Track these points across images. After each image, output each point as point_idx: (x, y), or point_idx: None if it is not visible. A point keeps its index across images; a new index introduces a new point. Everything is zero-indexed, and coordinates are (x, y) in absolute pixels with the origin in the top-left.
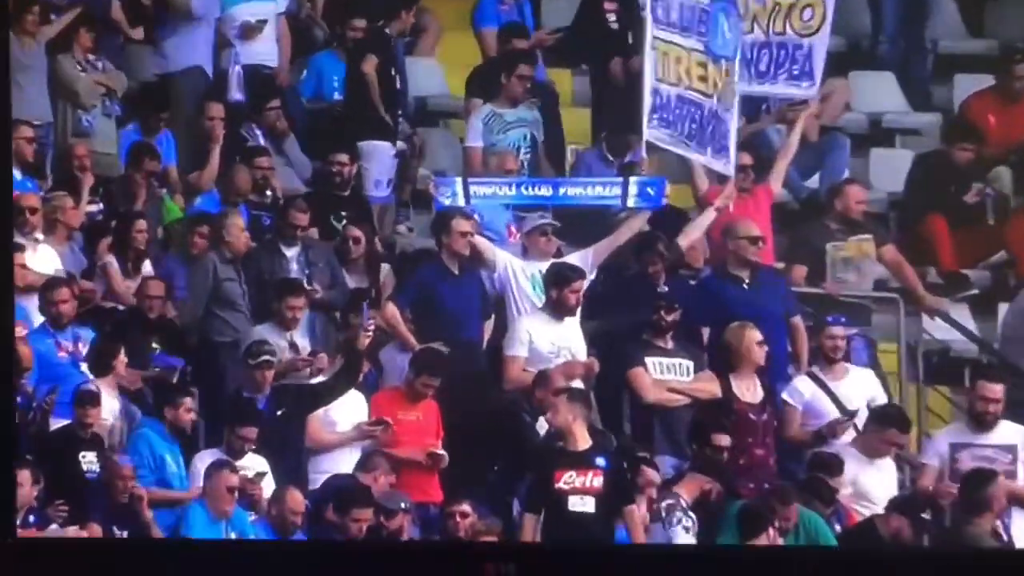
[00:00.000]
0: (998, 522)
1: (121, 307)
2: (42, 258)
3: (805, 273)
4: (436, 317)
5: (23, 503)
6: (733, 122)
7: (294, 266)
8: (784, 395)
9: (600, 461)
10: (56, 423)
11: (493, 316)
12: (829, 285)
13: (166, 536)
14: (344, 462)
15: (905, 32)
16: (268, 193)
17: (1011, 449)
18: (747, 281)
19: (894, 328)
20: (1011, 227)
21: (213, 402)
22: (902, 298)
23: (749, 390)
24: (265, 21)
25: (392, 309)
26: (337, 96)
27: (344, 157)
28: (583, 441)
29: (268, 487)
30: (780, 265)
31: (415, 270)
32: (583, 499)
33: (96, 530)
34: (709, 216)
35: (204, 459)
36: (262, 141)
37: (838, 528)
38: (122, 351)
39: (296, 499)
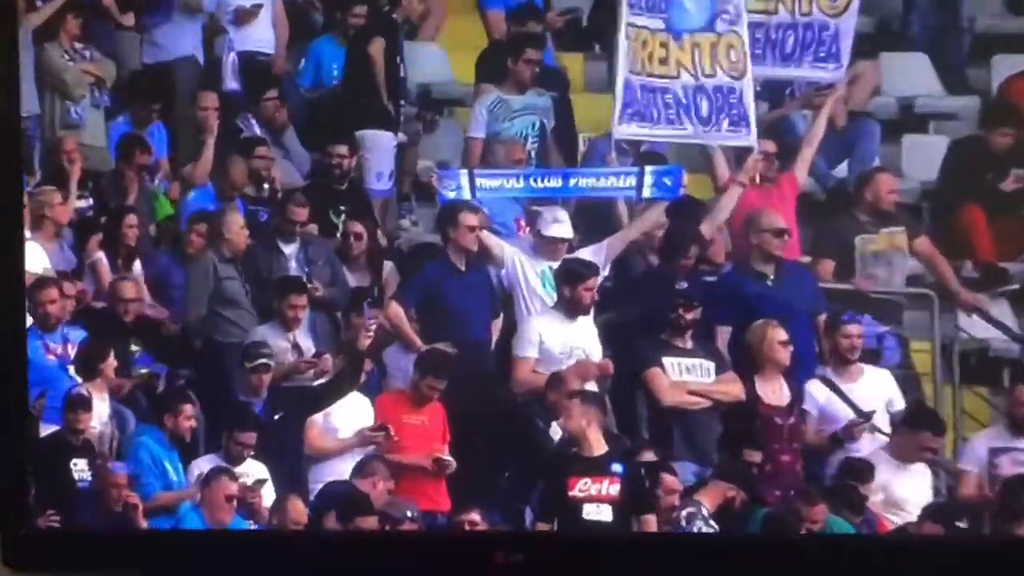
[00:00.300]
0: None
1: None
2: (30, 256)
3: (833, 268)
4: (442, 316)
5: None
6: (746, 92)
7: (293, 263)
8: None
9: (616, 467)
10: (45, 429)
11: (502, 315)
12: (859, 280)
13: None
14: (347, 470)
15: (939, 10)
16: (265, 187)
17: None
18: (771, 277)
19: (928, 326)
20: None
21: (217, 406)
22: (936, 294)
23: (775, 392)
24: (260, 6)
25: (396, 308)
26: (337, 84)
27: (343, 149)
28: (598, 446)
29: (268, 494)
30: (806, 259)
31: (420, 267)
32: (599, 507)
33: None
34: (734, 195)
35: (202, 465)
36: (258, 132)
37: None
38: (111, 354)
39: (298, 509)
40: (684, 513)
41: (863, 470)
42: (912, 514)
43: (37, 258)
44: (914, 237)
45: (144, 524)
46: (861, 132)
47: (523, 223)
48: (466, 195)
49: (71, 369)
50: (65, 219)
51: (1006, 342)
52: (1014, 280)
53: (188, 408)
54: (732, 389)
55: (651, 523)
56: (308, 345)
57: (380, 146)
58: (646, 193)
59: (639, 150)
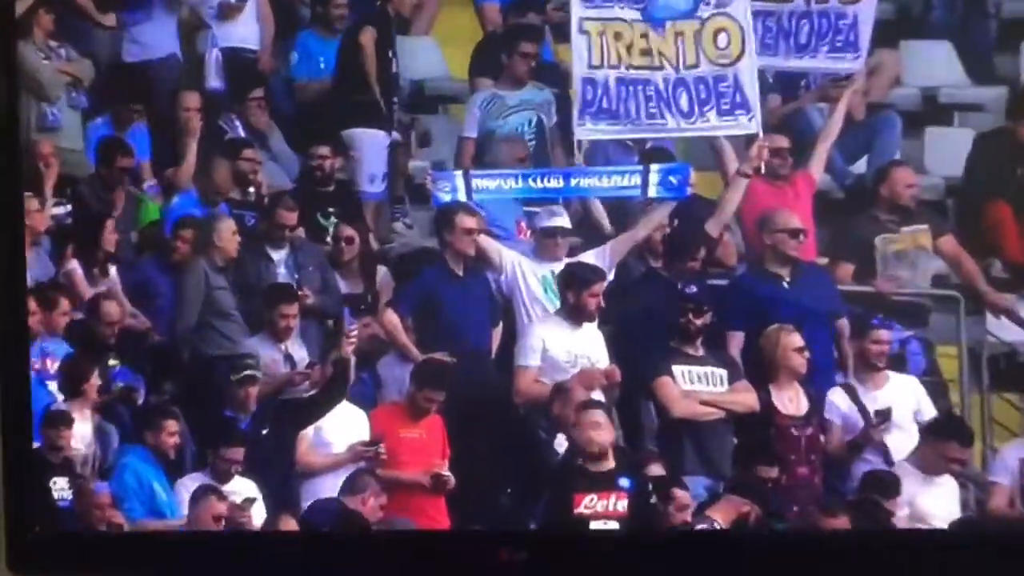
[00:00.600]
0: None
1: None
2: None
3: (852, 270)
4: (440, 324)
5: None
6: (747, 77)
7: (281, 270)
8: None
9: (624, 483)
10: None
11: (502, 322)
12: (880, 283)
13: None
14: (339, 487)
15: None
16: (251, 191)
17: None
18: (787, 279)
19: (954, 330)
20: None
21: (202, 421)
22: (963, 295)
23: (792, 401)
24: (245, 0)
25: (391, 316)
26: (326, 79)
27: (325, 149)
28: (605, 460)
29: (259, 513)
30: (824, 261)
31: (415, 272)
32: (606, 524)
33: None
34: (739, 187)
35: (188, 484)
36: (242, 133)
37: None
38: (95, 372)
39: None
40: (696, 531)
41: (888, 483)
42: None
43: None
44: (939, 235)
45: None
46: (881, 125)
47: (524, 225)
48: (461, 197)
49: (50, 385)
50: (42, 227)
51: None
52: None
53: (171, 424)
54: (746, 399)
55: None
56: (301, 356)
57: (372, 146)
58: (651, 192)
59: (644, 147)
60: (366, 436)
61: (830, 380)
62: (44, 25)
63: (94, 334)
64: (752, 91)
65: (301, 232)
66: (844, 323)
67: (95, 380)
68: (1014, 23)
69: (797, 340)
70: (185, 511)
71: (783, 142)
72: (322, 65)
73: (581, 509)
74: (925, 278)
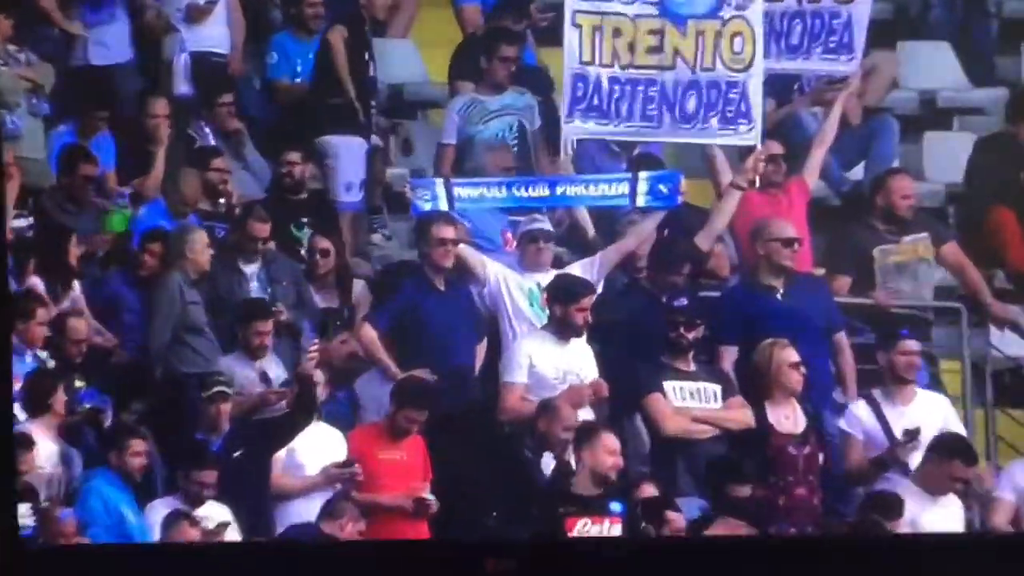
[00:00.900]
0: None
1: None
2: None
3: (850, 282)
4: (420, 340)
5: None
6: (753, 87)
7: (254, 284)
8: (841, 423)
9: (615, 507)
10: None
11: (486, 338)
12: (879, 294)
13: None
14: (314, 512)
15: None
16: (221, 201)
17: None
18: (781, 291)
19: (957, 343)
20: None
21: (176, 443)
22: (966, 307)
23: (788, 418)
24: (215, 2)
25: (368, 331)
26: (301, 83)
27: (295, 155)
28: (588, 485)
29: (232, 538)
30: (819, 272)
31: (395, 286)
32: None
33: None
34: (731, 200)
35: (159, 509)
36: (212, 141)
37: None
38: (60, 389)
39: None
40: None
41: (891, 504)
42: None
43: None
44: (941, 244)
45: None
46: (878, 130)
47: (509, 235)
48: (442, 206)
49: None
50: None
51: None
52: None
53: (136, 443)
54: (741, 415)
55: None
56: (277, 374)
57: (349, 152)
58: (640, 202)
59: (632, 153)
60: (342, 458)
61: (827, 397)
62: (3, 30)
63: (60, 351)
64: (757, 101)
65: (273, 245)
66: (841, 337)
67: (61, 395)
68: (1015, 23)
69: (792, 355)
70: (156, 537)
71: (776, 148)
72: (299, 68)
73: (575, 534)
74: (928, 290)
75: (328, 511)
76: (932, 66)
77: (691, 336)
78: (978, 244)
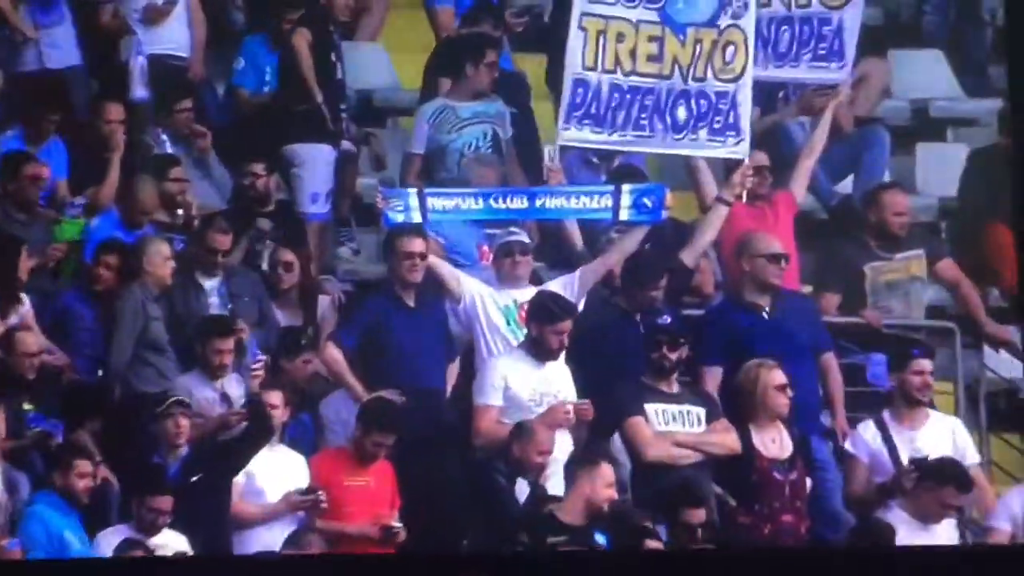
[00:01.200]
0: None
1: None
2: None
3: (838, 301)
4: (388, 360)
5: None
6: (743, 97)
7: (214, 299)
8: (847, 445)
9: (600, 539)
10: None
11: (459, 357)
12: (869, 313)
13: None
14: (277, 540)
15: (956, 1)
16: (180, 212)
17: None
18: (767, 309)
19: (950, 364)
20: None
21: (130, 467)
22: (959, 327)
23: (774, 443)
24: (174, 2)
25: (333, 350)
26: (267, 90)
27: (259, 167)
28: (577, 514)
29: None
30: (807, 289)
31: (361, 302)
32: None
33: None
34: (717, 215)
35: (110, 538)
36: (170, 148)
37: None
38: (2, 408)
39: None
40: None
41: (882, 533)
42: None
43: None
44: (935, 260)
45: None
46: (868, 141)
47: (486, 249)
48: (415, 217)
49: None
50: None
51: None
52: None
53: (82, 463)
54: (725, 440)
55: None
56: (239, 394)
57: (316, 161)
58: (623, 215)
59: (611, 165)
60: (304, 484)
61: (814, 420)
62: None
63: (8, 368)
64: (746, 112)
65: (234, 258)
66: (829, 358)
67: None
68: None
69: (779, 377)
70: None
71: (762, 159)
72: (267, 77)
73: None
74: (919, 309)
75: (292, 542)
76: (924, 75)
77: (674, 356)
78: (972, 260)
